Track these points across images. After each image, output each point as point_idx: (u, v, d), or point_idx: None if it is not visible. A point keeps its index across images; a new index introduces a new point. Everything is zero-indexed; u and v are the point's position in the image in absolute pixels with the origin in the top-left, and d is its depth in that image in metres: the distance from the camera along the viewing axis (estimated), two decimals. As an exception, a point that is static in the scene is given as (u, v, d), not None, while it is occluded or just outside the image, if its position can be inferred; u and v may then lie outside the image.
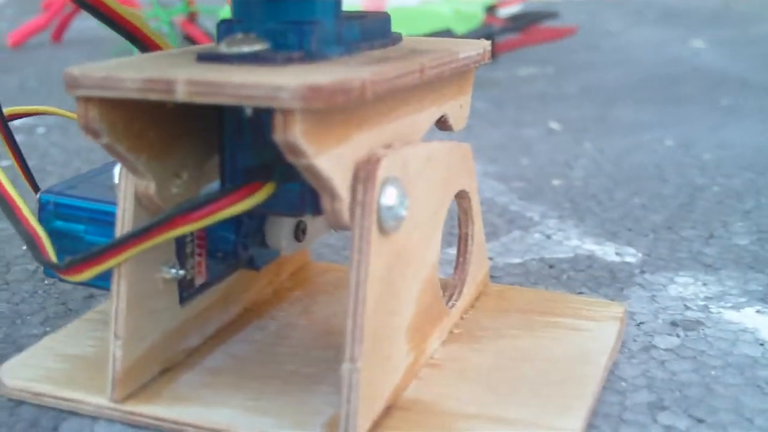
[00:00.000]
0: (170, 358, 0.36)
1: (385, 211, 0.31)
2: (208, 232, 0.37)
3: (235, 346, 0.38)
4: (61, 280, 0.39)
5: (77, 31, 1.37)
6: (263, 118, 0.30)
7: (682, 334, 0.40)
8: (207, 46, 0.34)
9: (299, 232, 0.39)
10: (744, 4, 1.82)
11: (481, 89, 0.99)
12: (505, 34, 1.10)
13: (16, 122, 0.80)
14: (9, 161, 0.41)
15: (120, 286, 0.33)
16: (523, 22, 1.12)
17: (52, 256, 0.34)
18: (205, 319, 0.38)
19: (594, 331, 0.39)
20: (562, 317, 0.40)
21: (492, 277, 0.47)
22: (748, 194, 0.61)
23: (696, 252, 0.50)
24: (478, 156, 0.72)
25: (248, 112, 0.31)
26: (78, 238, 0.39)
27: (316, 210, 0.33)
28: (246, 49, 0.31)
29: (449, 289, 0.40)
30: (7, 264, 0.49)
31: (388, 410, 0.33)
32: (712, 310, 0.43)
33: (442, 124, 0.39)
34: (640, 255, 0.50)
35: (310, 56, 0.31)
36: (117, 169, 0.34)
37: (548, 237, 0.53)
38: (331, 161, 0.29)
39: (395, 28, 0.37)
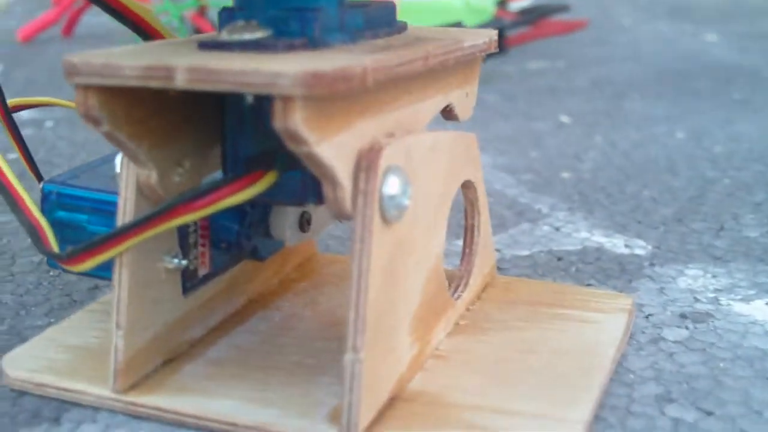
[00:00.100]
0: (173, 349, 0.36)
1: (388, 200, 0.30)
2: (212, 223, 0.37)
3: (238, 337, 0.38)
4: (64, 271, 0.39)
5: (87, 26, 1.37)
6: (265, 106, 0.30)
7: (691, 326, 0.40)
8: (209, 34, 0.34)
9: (304, 223, 0.39)
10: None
11: (491, 82, 0.99)
12: (515, 28, 1.10)
13: (25, 116, 0.80)
14: (15, 154, 0.41)
15: (122, 275, 0.33)
16: (533, 15, 1.11)
17: (54, 246, 0.34)
18: (208, 310, 0.38)
19: (602, 323, 0.38)
20: (570, 309, 0.40)
21: (499, 269, 0.47)
22: (758, 187, 0.61)
23: (706, 244, 0.50)
24: (487, 148, 0.71)
25: (249, 99, 0.31)
26: (80, 228, 0.39)
27: (319, 199, 0.33)
28: (247, 36, 0.31)
29: (455, 280, 0.39)
30: (12, 256, 0.49)
31: (392, 401, 0.32)
32: (721, 302, 0.42)
33: (447, 113, 0.38)
34: (649, 247, 0.50)
35: (312, 44, 0.31)
36: (118, 159, 0.34)
37: (557, 229, 0.53)
38: (332, 149, 0.29)
39: (406, 20, 0.36)
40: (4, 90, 0.39)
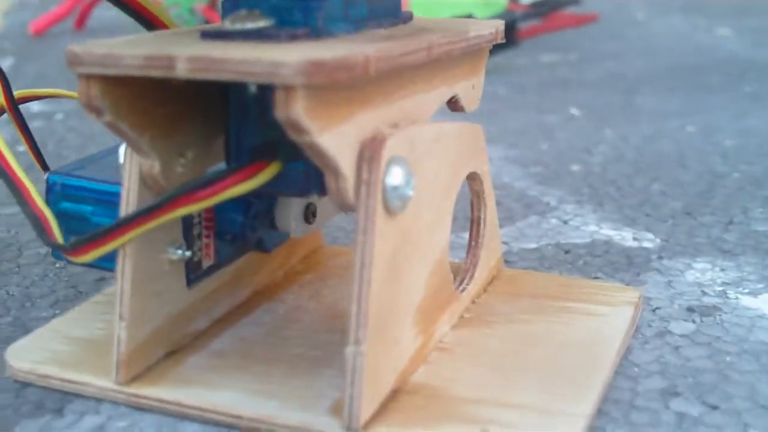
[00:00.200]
0: (177, 341, 0.36)
1: (391, 191, 0.30)
2: (217, 214, 0.37)
3: (243, 329, 0.38)
4: (69, 262, 0.39)
5: (99, 20, 1.37)
6: (268, 96, 0.30)
7: (698, 319, 0.39)
8: (212, 24, 0.34)
9: (309, 214, 0.39)
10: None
11: (503, 75, 0.99)
12: (527, 20, 1.09)
13: (35, 108, 0.81)
14: (24, 147, 0.41)
15: (125, 266, 0.33)
16: (545, 8, 1.11)
17: (59, 237, 0.34)
18: (213, 302, 0.38)
19: (608, 316, 0.38)
20: (576, 302, 0.39)
21: (507, 262, 0.46)
22: (768, 181, 0.60)
23: (715, 238, 0.50)
24: (498, 141, 0.71)
25: (252, 89, 0.31)
26: (85, 219, 0.39)
27: (322, 190, 0.32)
28: (250, 25, 0.31)
29: (461, 273, 0.39)
30: (19, 248, 0.49)
31: (394, 394, 0.32)
32: (729, 295, 0.42)
33: (453, 104, 0.38)
34: (658, 241, 0.49)
35: (315, 33, 0.31)
36: (122, 149, 0.34)
37: (565, 222, 0.53)
38: (334, 139, 0.28)
39: (417, 13, 0.36)
40: (15, 83, 0.39)
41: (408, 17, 0.37)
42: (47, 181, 0.39)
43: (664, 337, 0.38)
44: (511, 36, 1.03)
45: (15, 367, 0.35)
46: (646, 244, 0.49)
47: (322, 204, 0.39)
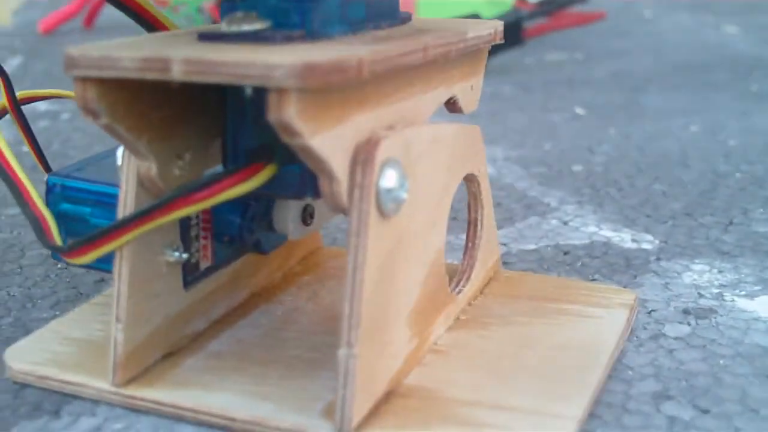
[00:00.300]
0: (174, 342, 0.36)
1: (385, 193, 0.30)
2: (214, 216, 0.37)
3: (240, 330, 0.38)
4: (67, 264, 0.39)
5: (108, 18, 1.37)
6: (264, 99, 0.30)
7: (693, 322, 0.40)
8: (209, 26, 0.34)
9: (306, 216, 0.39)
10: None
11: (509, 73, 0.99)
12: (534, 19, 1.09)
13: (41, 108, 0.81)
14: (27, 147, 0.41)
15: (122, 268, 0.33)
16: (552, 6, 1.11)
17: (57, 239, 0.34)
18: (210, 303, 0.38)
19: (603, 319, 0.38)
20: (572, 304, 0.39)
21: (505, 263, 0.46)
22: (771, 181, 0.60)
23: (714, 239, 0.50)
24: (501, 140, 0.71)
25: (248, 91, 0.31)
26: (84, 221, 0.39)
27: (317, 193, 0.32)
28: (246, 27, 0.31)
29: (457, 275, 0.39)
30: (22, 248, 0.49)
31: (388, 396, 0.32)
32: (726, 298, 0.42)
33: (451, 105, 0.38)
34: (657, 242, 0.49)
35: (311, 35, 0.31)
36: (120, 151, 0.34)
37: (565, 223, 0.53)
38: (328, 142, 0.28)
39: (424, 12, 0.36)
40: (23, 82, 0.39)
41: (407, 18, 0.37)
42: (47, 182, 0.40)
43: (658, 340, 0.38)
44: (517, 35, 1.03)
45: (14, 368, 0.35)
46: (644, 246, 0.49)
47: (320, 205, 0.39)
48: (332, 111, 0.29)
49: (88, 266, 0.36)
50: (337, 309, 0.39)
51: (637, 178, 0.61)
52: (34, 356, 0.36)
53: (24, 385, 0.35)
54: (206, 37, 0.31)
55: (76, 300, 0.43)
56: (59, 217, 0.38)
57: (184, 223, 0.35)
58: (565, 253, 0.48)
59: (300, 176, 0.33)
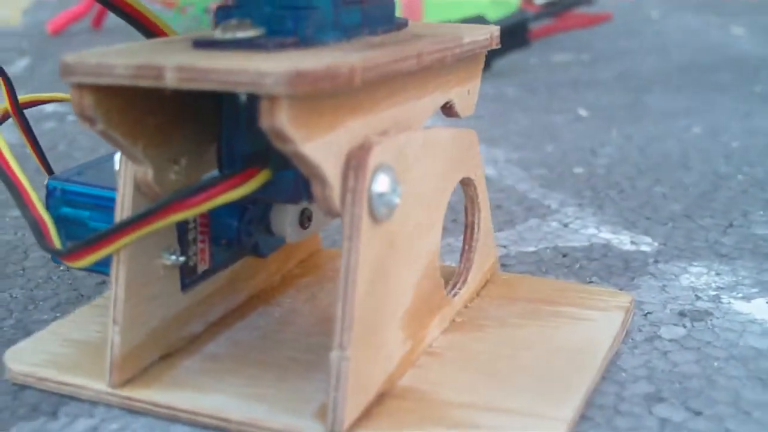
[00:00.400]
0: (171, 344, 0.36)
1: (377, 198, 0.30)
2: (212, 219, 0.37)
3: (238, 332, 0.38)
4: (67, 267, 0.39)
5: (117, 19, 1.37)
6: (257, 105, 0.30)
7: (688, 324, 0.40)
8: (204, 32, 0.34)
9: (304, 220, 0.39)
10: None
11: (513, 75, 0.99)
12: (540, 20, 1.09)
13: (48, 110, 0.81)
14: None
15: (119, 271, 0.33)
16: (558, 7, 1.11)
17: (56, 242, 0.34)
18: (208, 306, 0.38)
19: (598, 321, 0.38)
20: (568, 307, 0.40)
21: (504, 265, 0.47)
22: (772, 183, 0.60)
23: (713, 241, 0.50)
24: (503, 142, 0.71)
25: (243, 98, 0.31)
26: (83, 224, 0.39)
27: (311, 197, 0.33)
28: (240, 35, 0.31)
29: (454, 277, 0.40)
30: (25, 250, 0.50)
31: (381, 398, 0.32)
32: (722, 300, 0.42)
33: (447, 110, 0.38)
34: (656, 244, 0.50)
35: (304, 42, 0.31)
36: (117, 156, 0.34)
37: (565, 225, 0.53)
38: (320, 148, 0.29)
39: (430, 14, 0.36)
40: (31, 83, 0.39)
41: (403, 24, 0.37)
42: (47, 186, 0.40)
43: (653, 342, 0.38)
44: (523, 36, 1.03)
45: (14, 369, 0.36)
46: (643, 248, 0.49)
47: (317, 209, 0.39)
48: (325, 117, 0.29)
49: (88, 269, 0.36)
50: (334, 311, 0.39)
51: (637, 180, 0.62)
52: (33, 358, 0.36)
53: (23, 387, 0.35)
54: (200, 44, 0.31)
55: (77, 302, 0.43)
56: (59, 220, 0.38)
57: (182, 227, 0.36)
58: (564, 256, 0.48)
59: (294, 181, 0.33)
